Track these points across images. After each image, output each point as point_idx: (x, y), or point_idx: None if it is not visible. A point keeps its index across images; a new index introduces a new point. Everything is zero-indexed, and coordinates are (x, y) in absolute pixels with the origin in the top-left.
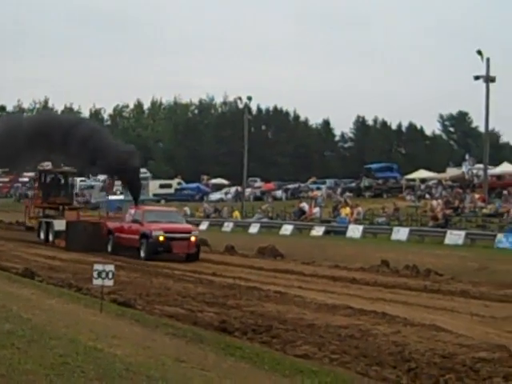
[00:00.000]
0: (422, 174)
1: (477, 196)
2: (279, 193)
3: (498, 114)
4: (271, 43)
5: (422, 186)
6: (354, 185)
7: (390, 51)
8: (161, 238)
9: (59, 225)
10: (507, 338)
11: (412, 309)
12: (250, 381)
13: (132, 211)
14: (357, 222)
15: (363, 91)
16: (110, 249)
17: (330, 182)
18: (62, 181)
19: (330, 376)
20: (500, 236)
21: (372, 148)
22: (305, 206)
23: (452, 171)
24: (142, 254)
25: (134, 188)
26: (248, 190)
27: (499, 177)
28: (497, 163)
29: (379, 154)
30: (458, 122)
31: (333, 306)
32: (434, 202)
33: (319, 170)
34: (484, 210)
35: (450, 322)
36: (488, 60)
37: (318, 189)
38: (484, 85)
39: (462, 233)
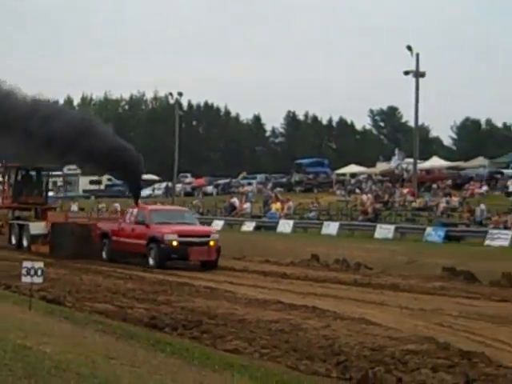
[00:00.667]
0: (353, 168)
1: (406, 190)
2: (210, 188)
3: (427, 108)
4: (199, 39)
5: (353, 181)
6: (284, 180)
7: (321, 46)
8: (174, 243)
9: (36, 228)
10: (435, 330)
11: (342, 302)
12: (179, 376)
13: (134, 211)
14: (287, 216)
15: (294, 86)
16: (105, 255)
17: (260, 177)
18: (35, 178)
19: (261, 370)
20: (429, 229)
21: (303, 143)
22: (235, 201)
23: (382, 166)
24: (151, 262)
25: (133, 185)
26: (178, 186)
27: (428, 171)
28: (426, 157)
29: (310, 149)
30: (388, 116)
31: (263, 301)
32: (364, 197)
33: (250, 166)
34: (413, 204)
35: (380, 316)
36: (417, 55)
37: (249, 184)
38: (414, 80)
39: (392, 227)
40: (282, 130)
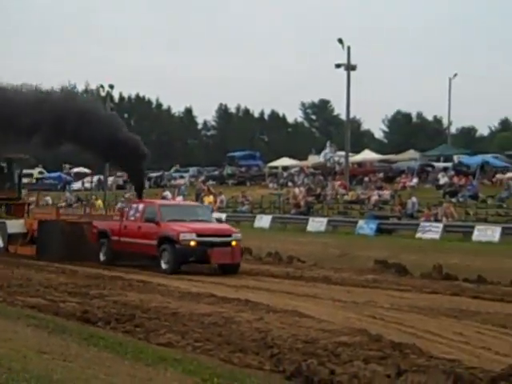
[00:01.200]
0: (285, 161)
1: (338, 183)
2: None
3: (359, 102)
4: (130, 31)
5: (285, 174)
6: (217, 173)
7: (253, 40)
8: (192, 244)
9: (14, 226)
10: (367, 322)
11: (275, 295)
12: (112, 370)
13: (139, 207)
14: (220, 209)
15: (225, 79)
16: (103, 257)
17: (193, 170)
18: (6, 170)
19: (194, 364)
20: (361, 222)
21: (235, 136)
22: (168, 194)
23: (314, 159)
24: (164, 266)
25: (135, 177)
26: (110, 179)
27: (360, 164)
28: (358, 150)
29: (242, 142)
30: (320, 109)
31: (197, 294)
32: (297, 190)
33: (182, 159)
34: (345, 197)
35: (313, 308)
36: (349, 48)
37: (181, 177)
38: (345, 73)
39: (324, 220)
40: (213, 123)
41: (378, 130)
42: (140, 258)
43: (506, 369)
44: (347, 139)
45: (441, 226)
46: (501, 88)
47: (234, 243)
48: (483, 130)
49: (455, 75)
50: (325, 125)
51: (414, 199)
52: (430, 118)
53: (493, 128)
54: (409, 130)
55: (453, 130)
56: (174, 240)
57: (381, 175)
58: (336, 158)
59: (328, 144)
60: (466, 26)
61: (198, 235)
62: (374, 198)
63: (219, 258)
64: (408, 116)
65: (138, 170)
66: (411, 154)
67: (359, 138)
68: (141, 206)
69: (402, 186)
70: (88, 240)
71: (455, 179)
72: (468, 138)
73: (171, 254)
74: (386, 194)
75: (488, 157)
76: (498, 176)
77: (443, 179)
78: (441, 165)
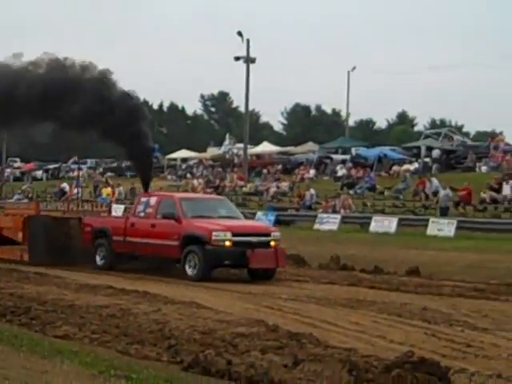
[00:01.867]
0: (184, 153)
1: (237, 175)
2: (39, 173)
3: (258, 94)
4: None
5: (184, 166)
6: (115, 165)
7: (154, 31)
8: (227, 244)
9: None
10: (265, 313)
11: (173, 287)
12: (7, 363)
13: (150, 200)
14: (118, 201)
15: (123, 69)
16: (100, 261)
17: (91, 161)
18: None
19: (90, 356)
20: (259, 214)
21: None
22: (65, 186)
23: (213, 151)
24: (191, 271)
25: (143, 164)
26: (7, 171)
27: (259, 156)
28: (257, 143)
29: None
30: (219, 102)
31: (94, 286)
32: (195, 182)
33: (80, 150)
34: (244, 189)
35: (211, 299)
36: (248, 41)
37: (79, 169)
38: (244, 65)
39: None
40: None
41: (276, 122)
42: (152, 262)
43: (400, 357)
44: (246, 131)
45: (338, 217)
46: (398, 81)
47: (272, 243)
48: (381, 123)
49: (354, 68)
50: (224, 117)
51: (312, 191)
52: (328, 110)
53: (390, 121)
54: (307, 123)
55: (351, 122)
56: (204, 240)
57: (279, 167)
58: (235, 150)
59: (227, 136)
60: (365, 20)
61: (234, 234)
62: (273, 189)
63: (260, 262)
64: (307, 108)
65: (145, 157)
66: (310, 146)
67: (258, 131)
68: (154, 200)
69: (300, 177)
70: (76, 240)
71: (353, 171)
72: (366, 131)
73: (201, 256)
74: (285, 185)
75: (385, 149)
76: (395, 168)
77: (341, 171)
78: (339, 157)
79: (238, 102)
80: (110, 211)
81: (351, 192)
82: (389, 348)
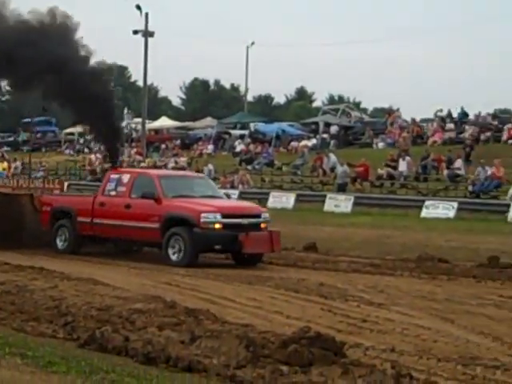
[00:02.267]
0: (81, 128)
1: (135, 150)
2: None
3: (156, 68)
4: None
5: (81, 140)
6: (11, 139)
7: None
8: (217, 227)
9: None
10: (163, 289)
11: (70, 263)
12: None
13: (122, 178)
14: (14, 176)
15: None
16: (61, 245)
17: None
18: None
19: None
20: None
21: (31, 102)
22: None
23: None
24: (175, 256)
25: (111, 137)
26: None
27: (157, 131)
28: (155, 117)
29: (37, 108)
30: (117, 76)
31: None
32: (93, 157)
33: None
34: (142, 164)
35: (108, 275)
36: (147, 15)
37: None
38: (143, 39)
39: None
40: (8, 88)
41: (175, 97)
42: (124, 245)
43: (296, 332)
44: (144, 106)
45: (237, 192)
46: (297, 57)
47: (263, 225)
48: (280, 99)
49: (252, 43)
50: (122, 91)
51: (210, 166)
52: (227, 85)
53: (289, 96)
54: (206, 98)
55: (250, 97)
56: (191, 222)
57: (178, 142)
58: (133, 125)
59: (125, 111)
60: None
61: (224, 216)
62: (171, 165)
63: (255, 247)
64: (205, 83)
65: (110, 124)
66: (208, 121)
67: (156, 105)
68: (127, 178)
69: (198, 153)
70: (29, 219)
71: (251, 147)
72: (265, 106)
73: (187, 240)
74: (183, 161)
75: (284, 125)
76: (293, 144)
77: (240, 146)
78: (237, 132)
79: (136, 76)
80: (62, 188)
81: (249, 167)
82: (286, 323)
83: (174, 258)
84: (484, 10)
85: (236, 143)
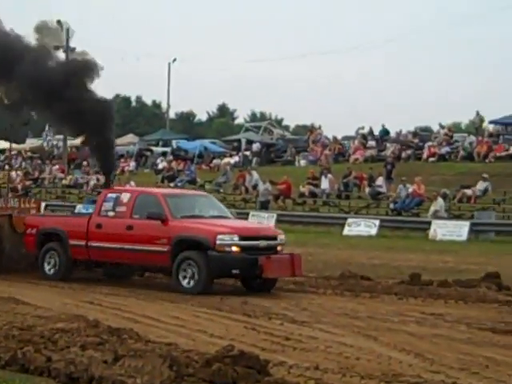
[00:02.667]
0: (2, 144)
1: (56, 167)
2: None
3: None
4: None
5: (2, 157)
6: None
7: None
8: (235, 249)
9: None
10: (85, 308)
11: None
12: None
13: (122, 197)
14: None
15: None
16: (50, 270)
17: None
18: None
19: None
20: (79, 207)
21: None
22: None
23: (32, 142)
24: (187, 283)
25: (103, 151)
26: None
27: (78, 148)
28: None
29: None
30: None
31: None
32: (14, 174)
33: None
34: (64, 181)
35: (30, 294)
36: (68, 30)
37: None
38: (64, 55)
39: (43, 203)
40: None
41: None
42: (125, 271)
43: (220, 350)
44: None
45: None
46: (219, 74)
47: (279, 248)
48: (201, 116)
49: (174, 60)
50: None
51: (132, 183)
52: (149, 102)
53: (211, 113)
54: (128, 114)
55: (172, 114)
56: (205, 245)
57: None
58: (54, 142)
59: (47, 128)
60: (186, 9)
61: (242, 238)
62: (93, 182)
63: (276, 271)
64: (127, 100)
65: (106, 139)
66: (130, 138)
67: None
68: (126, 197)
69: (120, 170)
70: (7, 242)
71: (174, 164)
72: (187, 123)
73: (202, 265)
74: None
75: (206, 142)
76: (216, 161)
77: (162, 164)
78: (159, 149)
79: None
80: (38, 208)
81: (172, 185)
82: (209, 342)
83: (185, 284)
84: (407, 25)
85: (158, 160)
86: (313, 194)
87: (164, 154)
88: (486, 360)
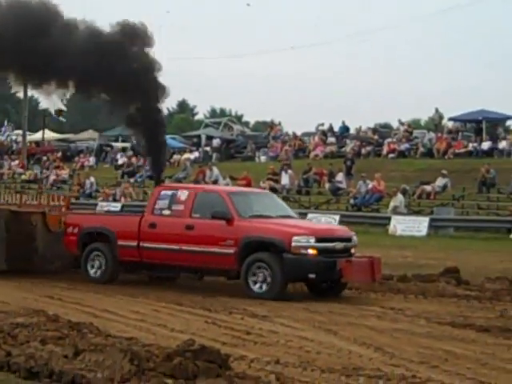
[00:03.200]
0: None
1: (16, 162)
2: None
3: None
4: None
5: None
6: None
7: None
8: (311, 252)
9: None
10: (45, 303)
11: None
12: None
13: (179, 195)
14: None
15: None
16: (95, 272)
17: None
18: None
19: None
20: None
21: None
22: None
23: None
24: (258, 288)
25: (157, 150)
26: None
27: (38, 143)
28: (36, 129)
29: None
30: None
31: None
32: None
33: None
34: (23, 177)
35: None
36: None
37: None
38: None
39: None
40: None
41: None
42: (178, 273)
43: (181, 345)
44: (25, 118)
45: (119, 205)
46: (178, 70)
47: (352, 250)
48: None
49: None
50: (2, 102)
51: (91, 179)
52: None
53: (171, 109)
54: (88, 110)
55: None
56: (279, 247)
57: (59, 155)
58: (13, 137)
59: (5, 123)
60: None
61: (318, 239)
62: (52, 177)
63: (355, 275)
64: None
65: (158, 137)
66: (90, 133)
67: (37, 117)
68: (184, 194)
69: (80, 165)
70: (43, 241)
71: (134, 159)
72: None
73: (275, 268)
74: (64, 173)
75: (166, 138)
76: (176, 157)
77: (122, 159)
78: (119, 145)
79: (15, 87)
80: (68, 205)
81: (132, 180)
82: (170, 337)
83: (256, 289)
84: (367, 24)
85: (118, 156)
86: (273, 190)
87: (124, 149)
88: (446, 353)
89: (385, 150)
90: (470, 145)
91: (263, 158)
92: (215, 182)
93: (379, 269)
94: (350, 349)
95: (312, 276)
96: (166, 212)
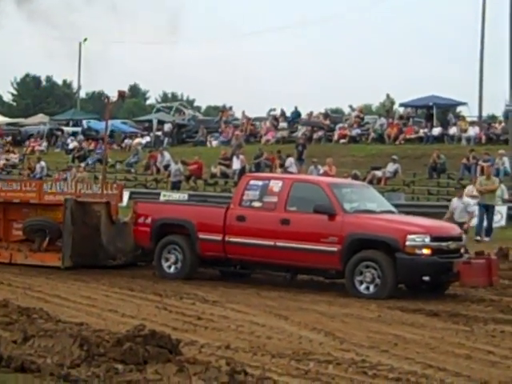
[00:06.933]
0: None
1: None
2: None
3: None
4: None
5: None
6: None
7: None
8: (426, 251)
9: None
10: None
11: None
12: None
13: (271, 185)
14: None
15: None
16: (171, 268)
17: None
18: None
19: None
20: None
21: None
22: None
23: None
24: (366, 288)
25: None
26: None
27: None
28: None
29: None
30: None
31: None
32: None
33: None
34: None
35: None
36: None
37: None
38: None
39: None
40: None
41: (6, 93)
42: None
43: (131, 330)
44: None
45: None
46: (130, 54)
47: (462, 250)
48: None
49: (85, 40)
50: None
51: (42, 163)
52: (59, 81)
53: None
54: (38, 94)
55: (82, 94)
56: (392, 246)
57: (9, 139)
58: None
59: None
60: None
61: (433, 238)
62: (2, 162)
63: (473, 278)
64: (37, 79)
65: None
66: (40, 117)
67: None
68: (278, 185)
69: (31, 149)
70: (104, 233)
71: (84, 144)
72: (98, 103)
73: (388, 269)
74: (15, 157)
75: (117, 122)
76: (127, 141)
77: (72, 144)
78: (70, 129)
79: None
80: (121, 194)
81: (83, 164)
82: (120, 322)
83: (362, 289)
84: (323, 10)
85: (69, 140)
86: (224, 175)
87: (75, 133)
88: (395, 338)
89: (336, 135)
90: (421, 130)
91: (215, 143)
92: (167, 167)
93: (496, 271)
94: (301, 334)
95: (426, 278)
96: (257, 204)
